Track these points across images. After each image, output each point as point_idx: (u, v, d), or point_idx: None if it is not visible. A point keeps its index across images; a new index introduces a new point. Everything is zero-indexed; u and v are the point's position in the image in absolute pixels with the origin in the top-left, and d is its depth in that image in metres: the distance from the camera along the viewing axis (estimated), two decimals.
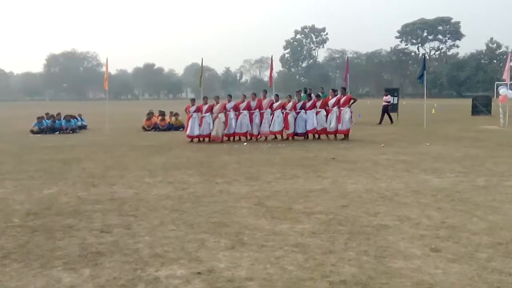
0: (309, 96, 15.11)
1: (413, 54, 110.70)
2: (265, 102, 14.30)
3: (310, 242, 4.59)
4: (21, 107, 59.41)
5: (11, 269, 3.94)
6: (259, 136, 14.23)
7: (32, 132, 17.69)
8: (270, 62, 18.87)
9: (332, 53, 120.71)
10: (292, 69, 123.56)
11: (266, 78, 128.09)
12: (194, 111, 14.13)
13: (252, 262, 4.01)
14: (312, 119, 14.26)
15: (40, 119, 18.21)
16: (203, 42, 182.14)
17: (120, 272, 3.82)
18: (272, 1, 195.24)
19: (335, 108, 13.98)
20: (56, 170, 9.15)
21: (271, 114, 14.07)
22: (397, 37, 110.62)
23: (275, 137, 14.39)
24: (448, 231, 4.82)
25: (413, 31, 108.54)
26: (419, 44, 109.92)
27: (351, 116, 14.29)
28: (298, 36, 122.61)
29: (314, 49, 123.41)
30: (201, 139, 14.10)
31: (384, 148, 11.94)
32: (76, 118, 19.78)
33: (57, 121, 18.20)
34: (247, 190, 7.02)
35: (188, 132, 14.18)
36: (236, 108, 14.18)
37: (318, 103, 14.31)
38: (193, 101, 14.61)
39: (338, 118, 13.92)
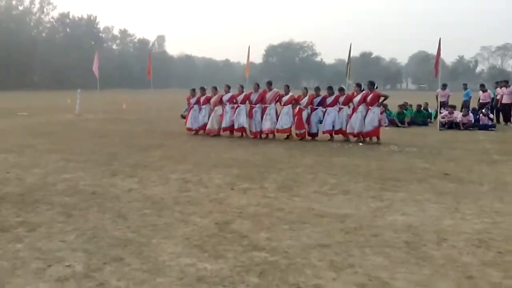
0: (330, 89, 12.73)
1: None
2: (269, 95, 12.61)
3: None
4: None
5: None
6: (262, 134, 12.77)
7: (182, 117, 19.17)
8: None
9: None
10: None
11: (509, 68, 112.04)
12: (194, 103, 13.68)
13: None
14: (332, 118, 11.96)
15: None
16: (429, 28, 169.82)
17: None
18: None
19: (362, 107, 11.74)
20: (125, 155, 9.40)
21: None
22: None
23: (287, 137, 12.65)
24: None
25: None
26: None
27: (380, 117, 12.01)
28: None
29: None
30: (199, 132, 13.54)
31: None
32: None
33: None
34: (245, 203, 5.78)
35: (187, 124, 13.74)
36: (232, 100, 13.02)
37: (341, 99, 12.20)
38: (193, 91, 13.88)
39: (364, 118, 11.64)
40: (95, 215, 5.18)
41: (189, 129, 13.67)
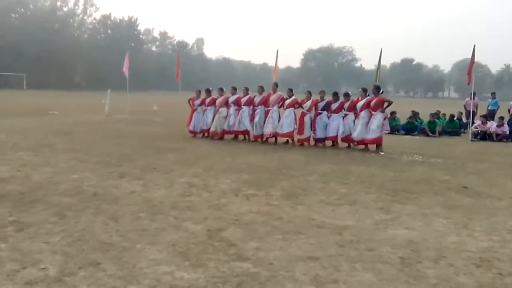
0: (336, 95, 12.47)
1: None
2: (273, 98, 12.55)
3: None
4: None
5: None
6: (263, 137, 12.69)
7: None
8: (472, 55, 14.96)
9: None
10: None
11: None
12: (199, 105, 13.60)
13: None
14: (337, 124, 11.82)
15: None
16: (476, 33, 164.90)
17: None
18: None
19: (364, 113, 11.47)
20: (138, 157, 9.43)
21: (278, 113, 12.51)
22: None
23: (287, 141, 12.66)
24: None
25: None
26: None
27: (383, 123, 11.81)
28: None
29: None
30: (203, 134, 13.54)
31: None
32: None
33: None
34: (245, 210, 5.67)
35: (190, 127, 13.62)
36: (237, 103, 12.98)
37: (346, 105, 11.95)
38: (198, 92, 13.82)
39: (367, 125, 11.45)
40: (88, 217, 5.18)
41: (192, 132, 13.62)
